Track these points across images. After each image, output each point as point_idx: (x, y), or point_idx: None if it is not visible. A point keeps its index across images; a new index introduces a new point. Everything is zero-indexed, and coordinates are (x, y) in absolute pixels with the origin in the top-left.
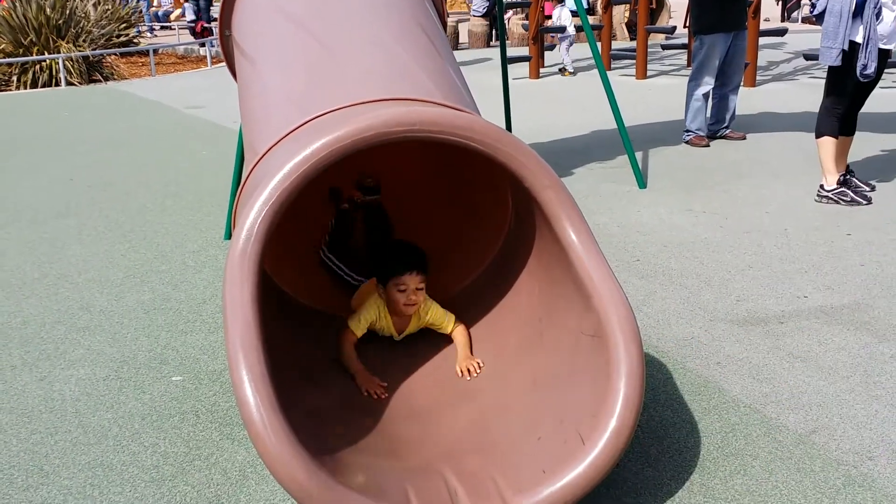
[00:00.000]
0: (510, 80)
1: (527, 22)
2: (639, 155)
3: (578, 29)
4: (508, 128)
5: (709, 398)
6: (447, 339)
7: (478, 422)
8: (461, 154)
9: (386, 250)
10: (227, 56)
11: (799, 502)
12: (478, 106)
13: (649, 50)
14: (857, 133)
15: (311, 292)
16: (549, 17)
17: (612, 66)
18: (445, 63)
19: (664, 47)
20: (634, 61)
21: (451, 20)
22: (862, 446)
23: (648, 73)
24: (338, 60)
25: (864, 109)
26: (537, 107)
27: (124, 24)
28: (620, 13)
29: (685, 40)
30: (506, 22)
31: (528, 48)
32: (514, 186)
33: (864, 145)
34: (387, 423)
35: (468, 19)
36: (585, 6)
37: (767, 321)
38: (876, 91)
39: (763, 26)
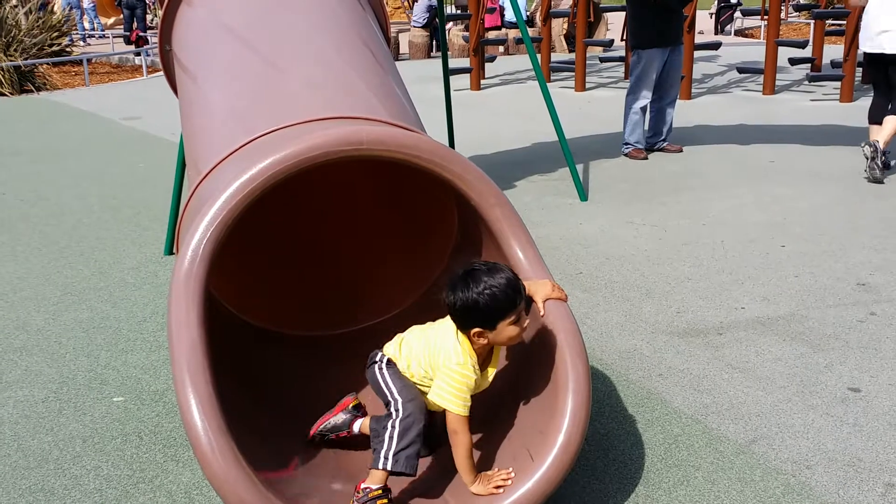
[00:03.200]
0: (452, 92)
1: (467, 33)
2: (579, 167)
3: (518, 41)
4: (451, 140)
5: (652, 409)
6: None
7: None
8: (407, 171)
9: (487, 290)
10: (168, 71)
11: None
12: (421, 118)
13: (588, 62)
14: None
15: (258, 310)
16: (490, 28)
17: (552, 78)
18: (389, 78)
19: (602, 60)
20: (573, 73)
21: (391, 31)
22: (800, 455)
23: (587, 86)
24: (282, 77)
25: (793, 122)
26: (479, 118)
27: (56, 34)
28: (559, 25)
29: (623, 53)
30: (446, 33)
31: (468, 59)
32: (461, 203)
33: (794, 155)
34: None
35: (409, 30)
36: (526, 18)
37: (707, 332)
38: (805, 104)
39: (697, 39)
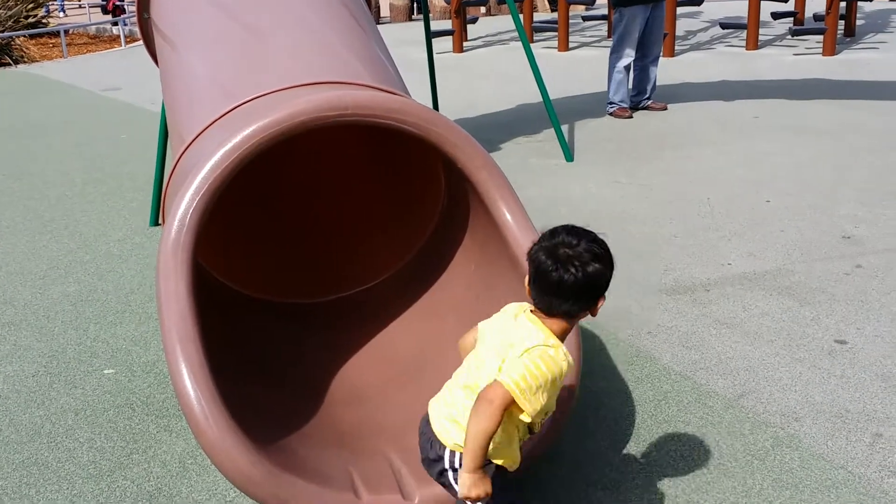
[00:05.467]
0: (435, 55)
1: None
2: (564, 128)
3: (499, 2)
4: (435, 103)
5: (641, 367)
6: (383, 317)
7: (420, 402)
8: (393, 136)
9: (607, 260)
10: (147, 40)
11: (730, 465)
12: (404, 82)
13: (570, 21)
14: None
15: (247, 279)
16: None
17: (535, 38)
18: (373, 43)
19: (585, 18)
20: (556, 33)
21: None
22: (788, 408)
23: (570, 45)
24: (264, 44)
25: (777, 76)
26: (463, 81)
27: (32, 5)
28: None
29: (605, 11)
30: None
31: (450, 21)
32: (447, 167)
33: (773, 109)
34: (331, 409)
35: None
36: None
37: (694, 289)
38: (788, 58)
39: None
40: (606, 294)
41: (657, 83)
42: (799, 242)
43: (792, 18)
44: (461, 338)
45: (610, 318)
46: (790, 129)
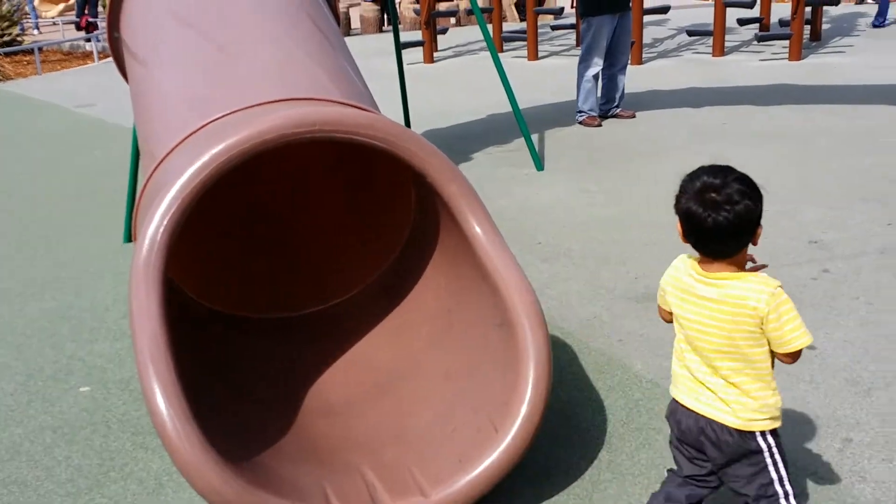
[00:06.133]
0: (405, 66)
1: (418, 6)
2: (535, 137)
3: (469, 12)
4: (406, 114)
5: (612, 375)
6: (356, 331)
7: (393, 415)
8: (363, 150)
9: (751, 185)
10: (117, 58)
11: None
12: (374, 92)
13: (539, 31)
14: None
15: (223, 296)
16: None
17: (504, 48)
18: (340, 57)
19: (553, 28)
20: (525, 43)
21: (341, 5)
22: None
23: (540, 55)
24: (233, 60)
25: (744, 82)
26: (434, 92)
27: (7, 23)
28: None
29: (574, 21)
30: (397, 6)
31: (420, 32)
32: (417, 182)
33: (742, 115)
34: (305, 424)
35: (359, 4)
36: None
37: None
38: (755, 64)
39: (646, 4)
40: (762, 223)
41: (625, 91)
42: (767, 248)
43: (758, 24)
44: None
45: (581, 327)
46: (758, 135)
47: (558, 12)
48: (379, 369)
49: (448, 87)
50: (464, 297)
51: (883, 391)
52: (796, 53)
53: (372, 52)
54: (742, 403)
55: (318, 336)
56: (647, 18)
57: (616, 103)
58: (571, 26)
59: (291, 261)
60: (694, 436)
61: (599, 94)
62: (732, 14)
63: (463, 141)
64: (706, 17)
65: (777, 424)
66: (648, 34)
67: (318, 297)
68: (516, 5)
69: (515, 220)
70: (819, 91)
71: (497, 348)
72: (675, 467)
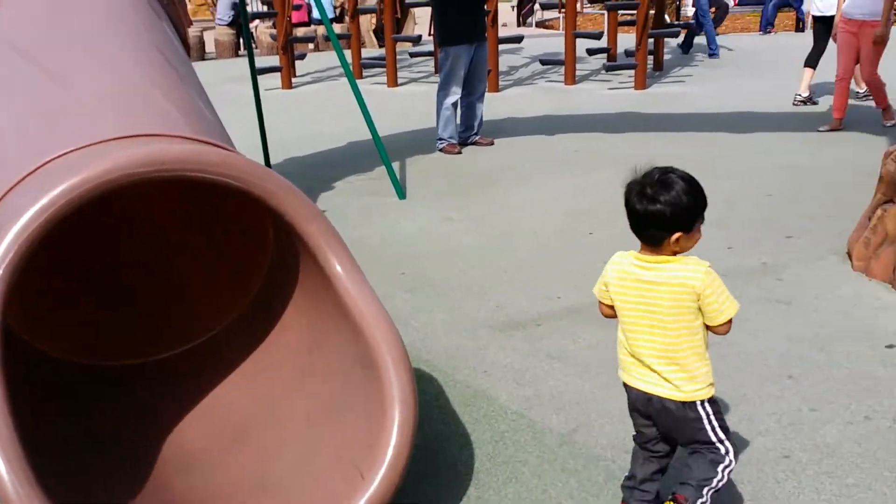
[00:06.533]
0: (263, 91)
1: (275, 31)
2: (396, 165)
3: (327, 38)
4: (264, 142)
5: (478, 408)
6: (214, 376)
7: (255, 463)
8: (217, 188)
9: (689, 186)
10: None
11: (566, 503)
12: (230, 119)
13: (398, 58)
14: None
15: (69, 344)
16: (297, 25)
17: (364, 74)
18: (190, 89)
19: (412, 55)
20: (385, 69)
21: (195, 29)
22: (618, 440)
23: (399, 81)
24: (71, 92)
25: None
26: (293, 119)
27: None
28: (368, 21)
29: (432, 48)
30: (254, 31)
31: (278, 57)
32: (275, 219)
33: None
34: (161, 477)
35: (213, 27)
36: (333, 15)
37: (526, 325)
38: (604, 92)
39: (501, 33)
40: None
41: (483, 119)
42: None
43: (605, 54)
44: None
45: (446, 358)
46: (609, 162)
47: (416, 40)
48: (238, 416)
49: (307, 113)
50: (326, 337)
51: (732, 411)
52: (641, 82)
53: (228, 78)
54: (682, 378)
55: (176, 381)
56: (502, 47)
57: (475, 131)
58: (430, 53)
59: (146, 304)
60: (642, 405)
61: (459, 122)
62: (582, 44)
63: (324, 169)
64: (558, 46)
65: (713, 393)
66: (504, 62)
67: (174, 340)
68: (375, 32)
69: (378, 250)
70: (663, 119)
71: (361, 389)
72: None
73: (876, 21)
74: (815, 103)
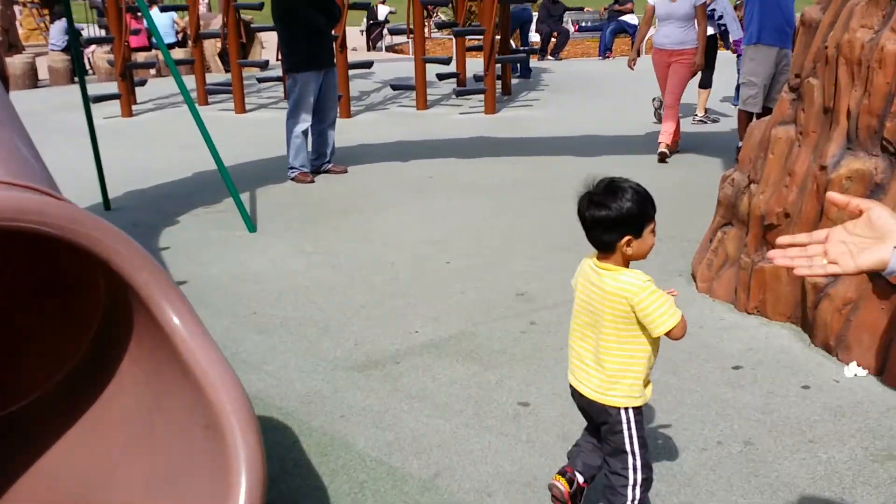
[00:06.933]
0: (101, 120)
1: (112, 56)
2: (246, 195)
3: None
4: (100, 174)
5: (336, 457)
6: (43, 440)
7: None
8: (39, 238)
9: (635, 195)
10: None
11: None
12: (64, 150)
13: (245, 83)
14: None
15: None
16: (137, 49)
17: (210, 100)
18: (8, 128)
19: (260, 80)
20: (232, 95)
21: (27, 55)
22: (481, 482)
23: (248, 107)
24: None
25: (446, 135)
26: (133, 148)
27: None
28: (213, 45)
29: (280, 72)
30: (90, 56)
31: (116, 84)
32: (105, 269)
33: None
34: None
35: (47, 53)
36: (175, 39)
37: (384, 363)
38: (455, 117)
39: (351, 58)
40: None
41: (336, 146)
42: (478, 303)
43: (455, 79)
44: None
45: (302, 404)
46: (463, 188)
47: (263, 65)
48: (68, 483)
49: (150, 142)
50: (166, 396)
51: None
52: (491, 107)
53: (62, 106)
54: (605, 382)
55: (8, 444)
56: (352, 72)
57: (328, 158)
58: (278, 78)
59: None
60: (576, 398)
61: (310, 150)
62: (432, 69)
63: (168, 202)
64: (408, 71)
65: (636, 404)
66: (355, 88)
67: (8, 399)
68: (220, 56)
69: (227, 289)
70: (514, 143)
71: (204, 453)
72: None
73: (686, 50)
74: (715, 121)
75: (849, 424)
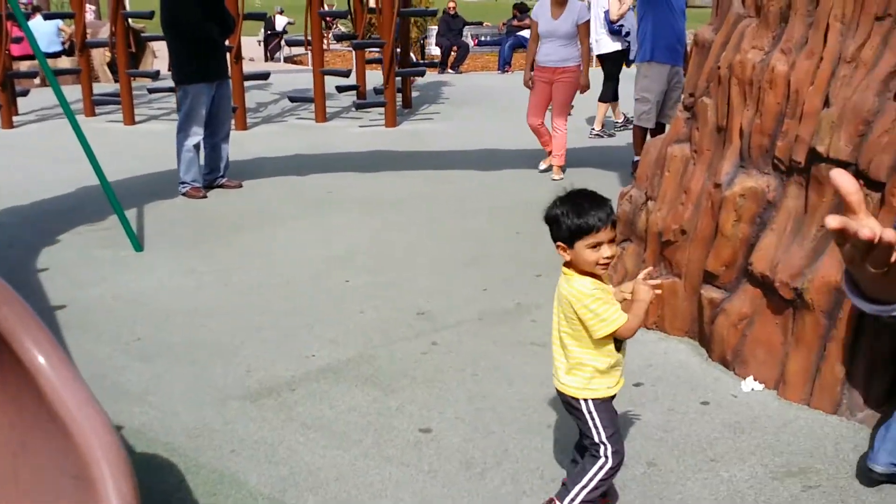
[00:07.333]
0: None
1: None
2: (133, 212)
3: (57, 72)
4: None
5: (226, 496)
6: None
7: None
8: None
9: (565, 204)
10: None
11: None
12: None
13: (135, 94)
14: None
15: None
16: (20, 58)
17: (97, 111)
18: None
19: (151, 91)
20: (121, 106)
21: None
22: None
23: (137, 119)
24: None
25: (346, 149)
26: (13, 162)
27: None
28: (101, 54)
29: (172, 83)
30: None
31: None
32: None
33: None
34: None
35: None
36: (61, 48)
37: (279, 390)
38: (355, 130)
39: (247, 68)
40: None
41: (230, 160)
42: (377, 323)
43: (355, 92)
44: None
45: (189, 439)
46: (363, 203)
47: (153, 75)
48: None
49: (32, 155)
50: (31, 441)
51: (495, 471)
52: (392, 120)
53: None
54: (563, 368)
55: None
56: (249, 83)
57: (221, 173)
58: (170, 89)
59: None
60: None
61: (203, 164)
62: (331, 81)
63: (48, 219)
64: (307, 82)
65: (594, 396)
66: (251, 99)
67: None
68: (109, 65)
69: (110, 312)
70: (414, 157)
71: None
72: None
73: (568, 67)
74: (611, 136)
75: (748, 441)
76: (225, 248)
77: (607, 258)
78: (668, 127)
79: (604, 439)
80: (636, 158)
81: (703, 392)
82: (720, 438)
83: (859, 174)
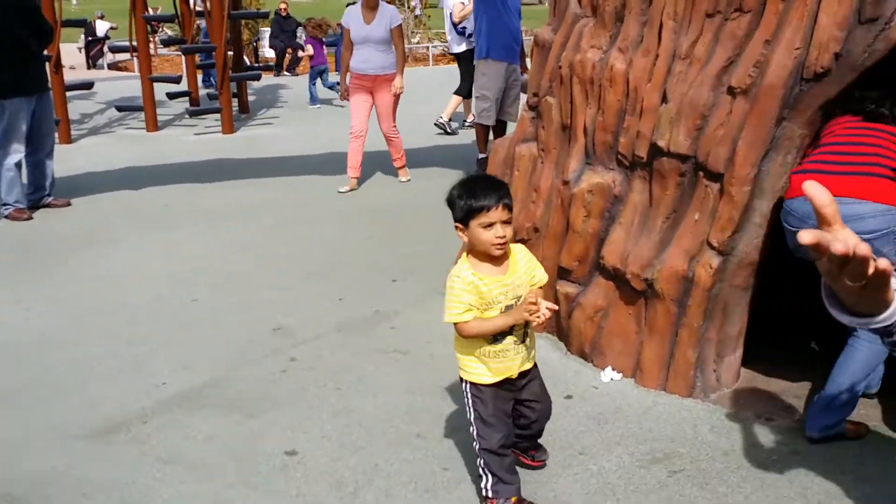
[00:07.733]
0: None
1: None
2: None
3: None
4: None
5: None
6: None
7: None
8: None
9: (461, 187)
10: None
11: None
12: None
13: None
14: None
15: None
16: None
17: None
18: None
19: None
20: None
21: None
22: None
23: None
24: None
25: (181, 159)
26: None
27: None
28: None
29: None
30: None
31: None
32: None
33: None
34: None
35: None
36: None
37: (130, 424)
38: (190, 138)
39: (68, 77)
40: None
41: (56, 177)
42: (232, 343)
43: (188, 98)
44: None
45: (34, 486)
46: (204, 215)
47: None
48: None
49: None
50: None
51: (367, 489)
52: (228, 126)
53: None
54: (460, 354)
55: None
56: (71, 94)
57: (47, 191)
58: None
59: None
60: None
61: (26, 183)
62: (162, 88)
63: None
64: (135, 90)
65: (470, 379)
66: (75, 110)
67: None
68: None
69: None
70: (254, 164)
71: None
72: None
73: (389, 75)
74: (453, 133)
75: (612, 431)
76: (56, 273)
77: (500, 237)
78: (508, 124)
79: (472, 420)
80: (481, 156)
81: (565, 386)
82: (586, 431)
83: (699, 166)
